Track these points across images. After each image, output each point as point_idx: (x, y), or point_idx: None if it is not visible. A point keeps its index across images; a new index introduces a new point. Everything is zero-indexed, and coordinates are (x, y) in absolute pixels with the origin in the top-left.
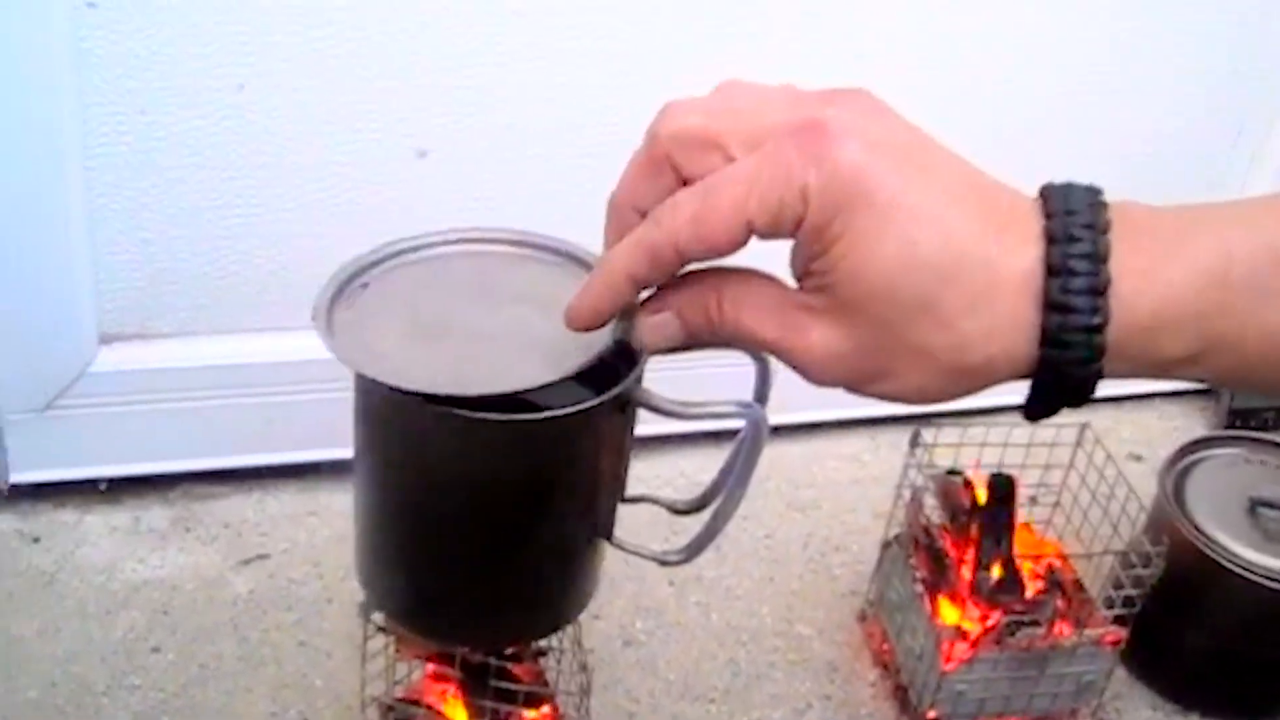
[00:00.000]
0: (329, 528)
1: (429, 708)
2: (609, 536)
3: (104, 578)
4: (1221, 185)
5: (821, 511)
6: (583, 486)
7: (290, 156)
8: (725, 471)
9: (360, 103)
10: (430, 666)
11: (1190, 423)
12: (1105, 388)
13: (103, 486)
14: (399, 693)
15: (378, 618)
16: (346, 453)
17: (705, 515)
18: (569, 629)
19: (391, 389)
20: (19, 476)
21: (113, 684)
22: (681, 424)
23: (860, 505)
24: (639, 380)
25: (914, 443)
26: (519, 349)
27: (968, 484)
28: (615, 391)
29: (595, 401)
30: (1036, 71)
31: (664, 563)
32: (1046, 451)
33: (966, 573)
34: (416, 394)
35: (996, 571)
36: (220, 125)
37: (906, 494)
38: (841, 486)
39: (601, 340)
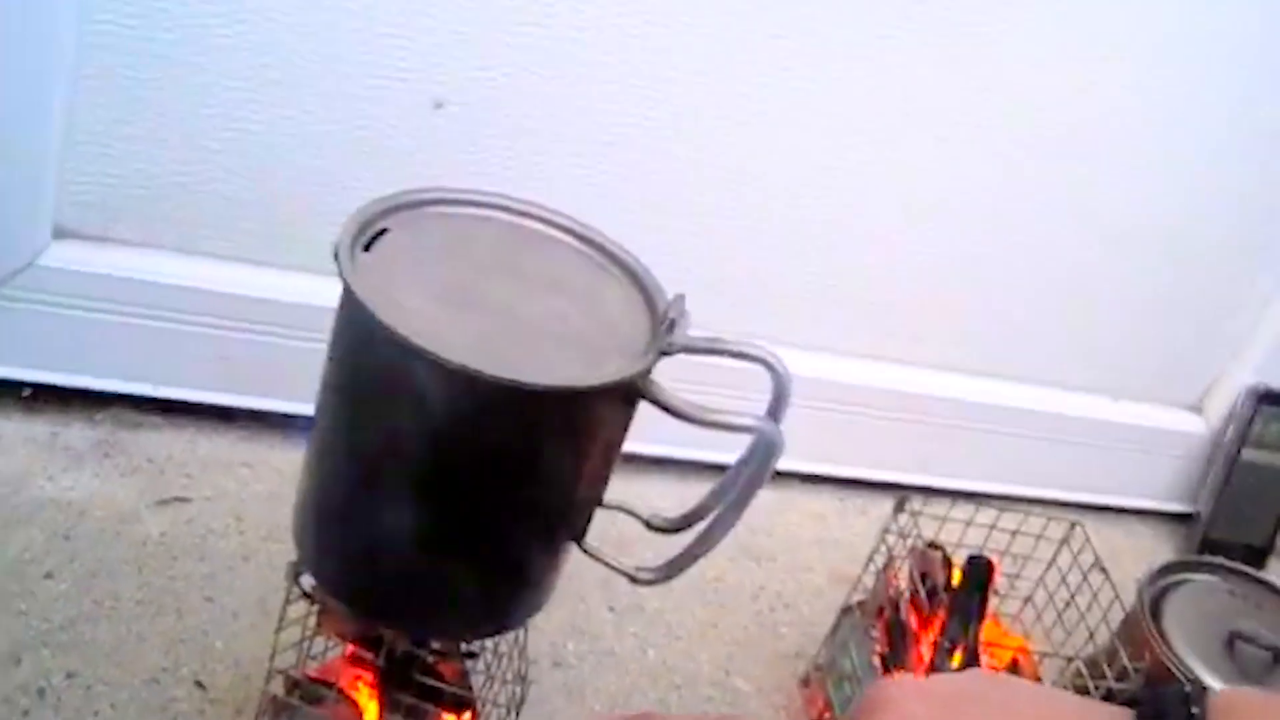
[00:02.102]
0: (262, 483)
1: (340, 692)
2: (580, 539)
3: (7, 489)
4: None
5: (777, 565)
6: (568, 473)
7: (302, 78)
8: (719, 493)
9: (380, 40)
10: (350, 648)
11: (1158, 544)
12: (1081, 495)
13: (25, 392)
14: (310, 670)
15: (306, 582)
16: (296, 407)
17: (681, 539)
18: (513, 634)
19: (418, 351)
20: None
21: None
22: (668, 449)
23: (817, 565)
24: (648, 373)
25: (899, 508)
26: (558, 341)
27: (946, 562)
28: (625, 377)
29: (604, 383)
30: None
31: (635, 580)
32: (1031, 543)
33: (926, 652)
34: (451, 366)
35: (957, 657)
36: (232, 28)
37: (881, 559)
38: (801, 543)
39: (639, 346)
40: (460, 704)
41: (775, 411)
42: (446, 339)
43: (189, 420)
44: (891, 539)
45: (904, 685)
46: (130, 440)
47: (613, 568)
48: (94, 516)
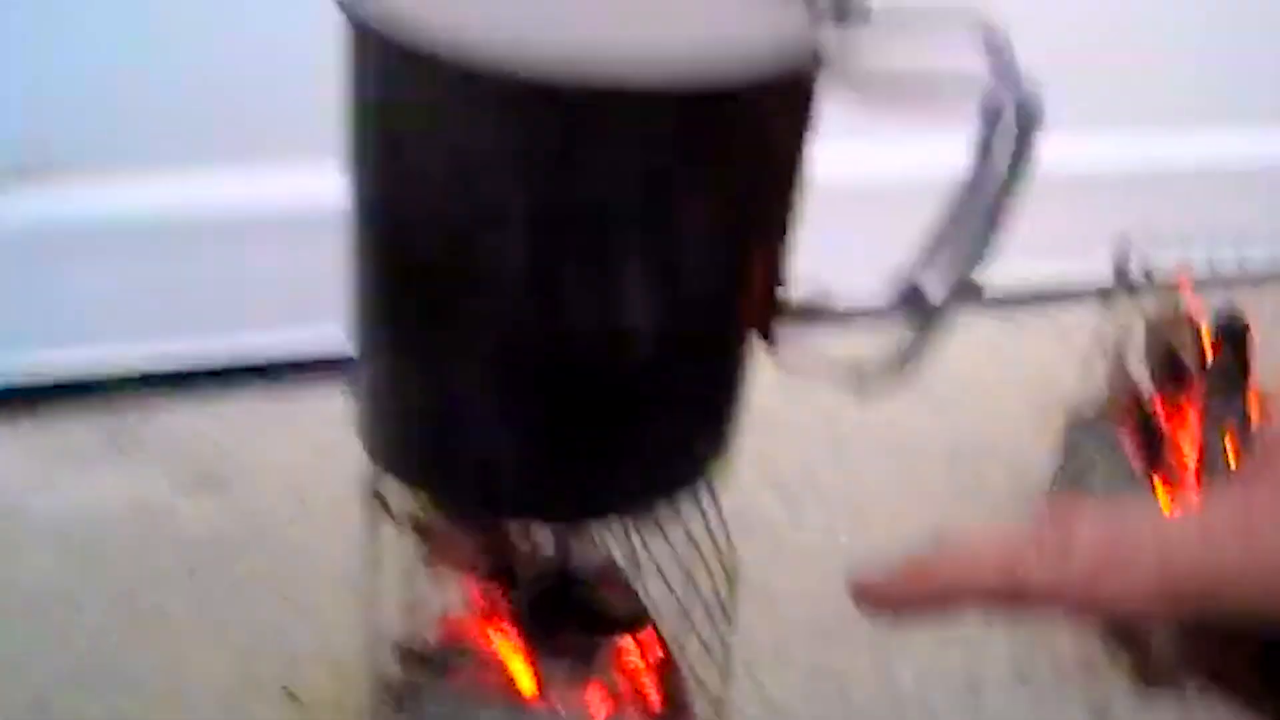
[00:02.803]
0: (311, 440)
1: (474, 652)
2: (768, 338)
3: (4, 512)
4: None
5: (964, 410)
6: (734, 224)
7: None
8: (962, 210)
9: None
10: (473, 585)
11: None
12: None
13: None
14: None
15: (399, 504)
16: (330, 337)
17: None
18: (699, 505)
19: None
20: None
21: (15, 651)
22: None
23: (1009, 397)
24: (823, 49)
25: (1119, 280)
26: (682, 29)
27: (1195, 331)
28: (794, 52)
29: (765, 72)
30: None
31: (861, 385)
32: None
33: (1191, 454)
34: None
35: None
36: None
37: (1108, 348)
38: (983, 379)
39: (797, 22)
40: (631, 623)
41: (1003, 68)
42: (523, 48)
43: (207, 386)
44: (1120, 316)
45: None
46: (143, 423)
47: (820, 378)
48: (118, 524)
